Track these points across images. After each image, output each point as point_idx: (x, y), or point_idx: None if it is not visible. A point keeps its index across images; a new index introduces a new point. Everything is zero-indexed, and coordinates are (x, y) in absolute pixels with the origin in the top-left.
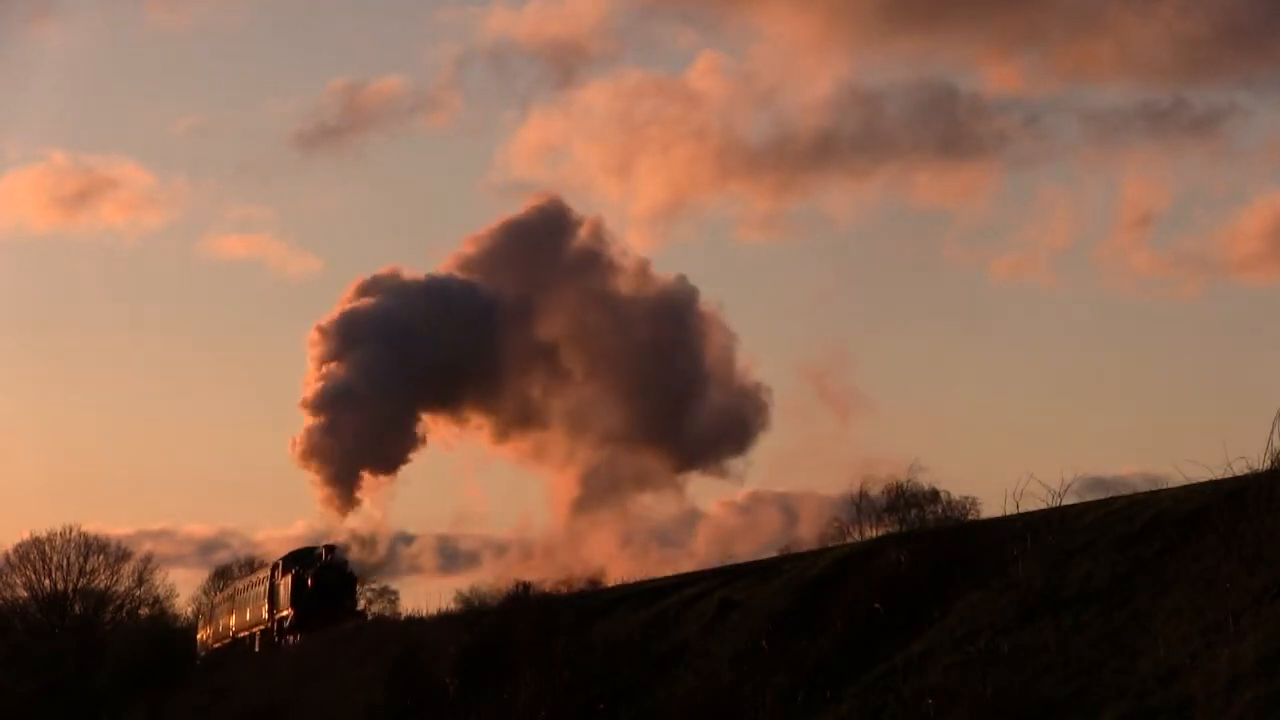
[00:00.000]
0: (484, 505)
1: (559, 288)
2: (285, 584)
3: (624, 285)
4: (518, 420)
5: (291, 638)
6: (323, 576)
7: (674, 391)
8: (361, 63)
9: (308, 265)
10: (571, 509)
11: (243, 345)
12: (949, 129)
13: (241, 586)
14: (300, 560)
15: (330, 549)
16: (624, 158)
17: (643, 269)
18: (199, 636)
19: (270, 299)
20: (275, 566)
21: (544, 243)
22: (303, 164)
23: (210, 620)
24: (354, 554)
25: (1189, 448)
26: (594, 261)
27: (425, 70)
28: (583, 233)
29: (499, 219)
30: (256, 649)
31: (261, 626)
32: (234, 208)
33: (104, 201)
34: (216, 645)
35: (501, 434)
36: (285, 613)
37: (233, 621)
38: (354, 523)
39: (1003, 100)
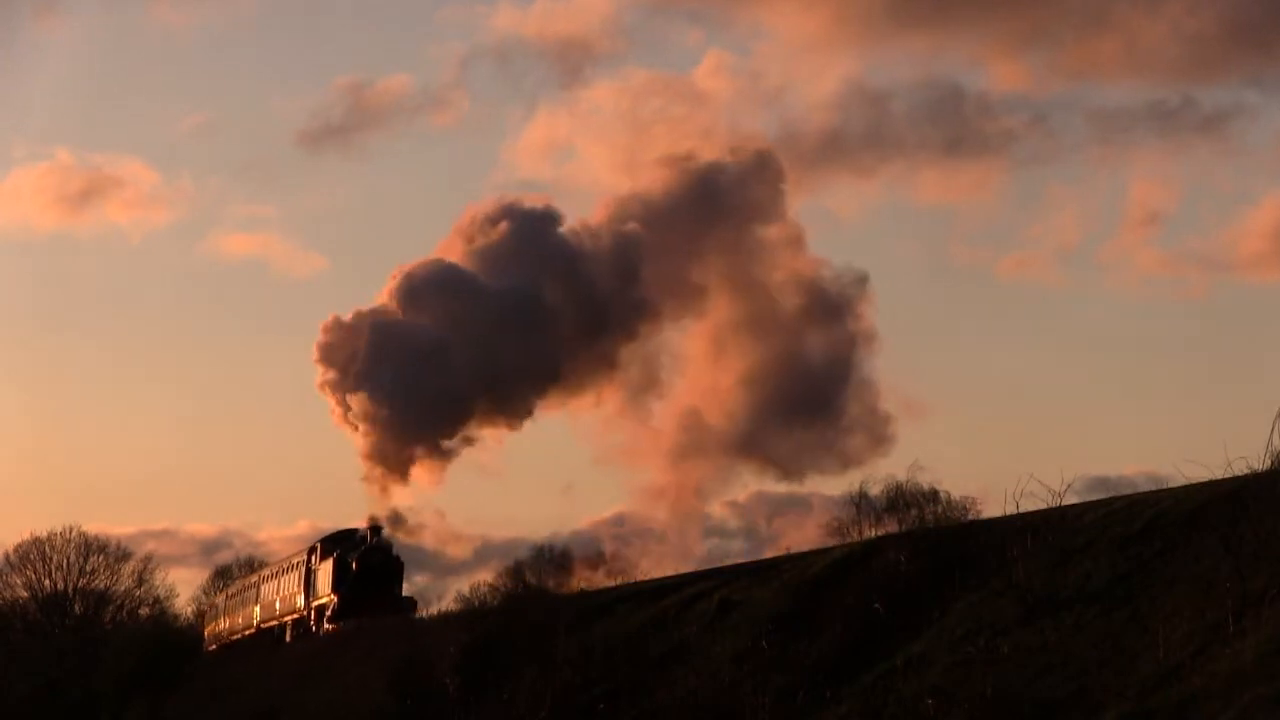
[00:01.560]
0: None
1: (715, 254)
2: (325, 569)
3: (781, 267)
4: (634, 398)
5: (332, 627)
6: (368, 560)
7: (799, 400)
8: (367, 61)
9: (312, 264)
10: (673, 504)
11: (247, 345)
12: (955, 128)
13: (269, 573)
14: (341, 543)
15: (375, 529)
16: (630, 157)
17: (798, 240)
18: (207, 631)
19: (275, 298)
20: (313, 550)
21: (720, 198)
22: (308, 162)
23: (223, 613)
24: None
25: (1197, 447)
26: (755, 229)
27: (431, 69)
28: (761, 189)
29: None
30: (287, 639)
31: (295, 615)
32: (239, 206)
33: (109, 200)
34: (235, 637)
35: (613, 415)
36: (325, 599)
37: (256, 612)
38: (402, 502)
39: (1009, 99)
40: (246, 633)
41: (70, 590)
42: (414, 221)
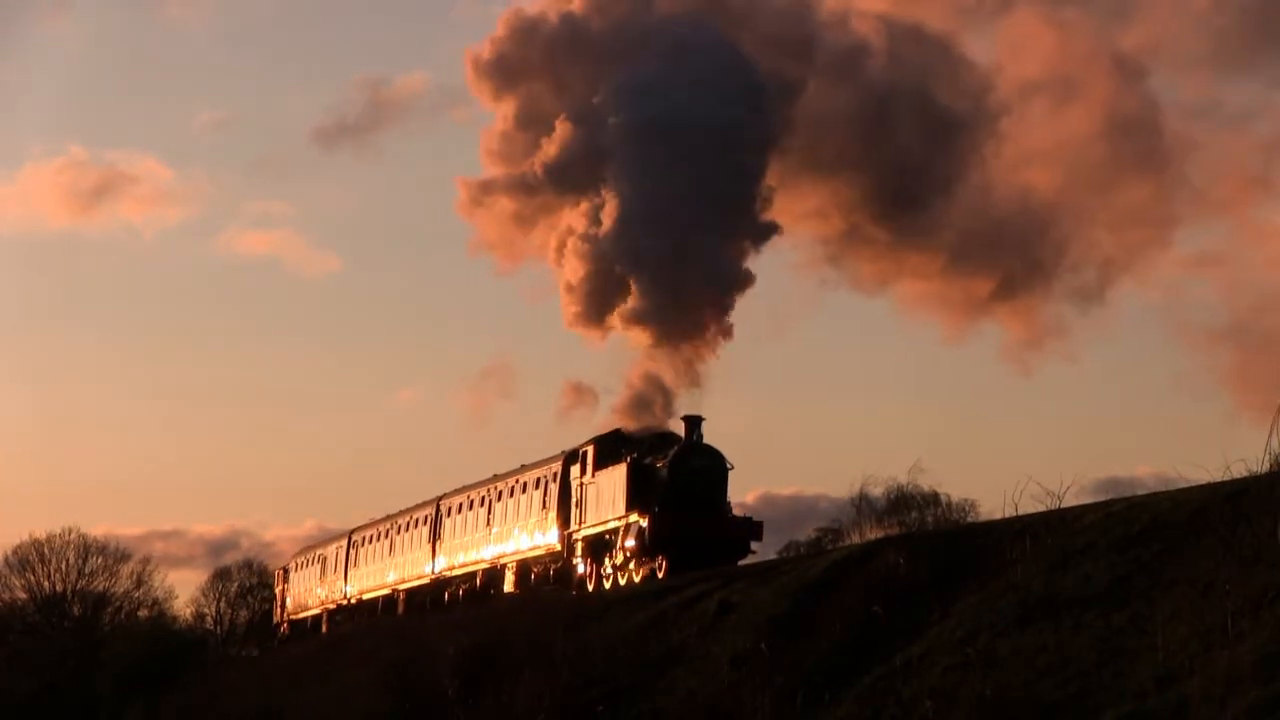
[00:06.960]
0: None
1: None
2: (611, 481)
3: None
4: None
5: (643, 568)
6: (688, 464)
7: None
8: (384, 58)
9: (326, 263)
10: None
11: (258, 344)
12: None
13: (457, 504)
14: (624, 444)
15: (696, 420)
16: None
17: None
18: (291, 600)
19: (288, 297)
20: (573, 457)
21: None
22: (323, 160)
23: (338, 567)
24: None
25: (1206, 447)
26: None
27: (448, 66)
28: None
29: None
30: (507, 589)
31: (533, 554)
32: (253, 204)
33: (122, 197)
34: (362, 598)
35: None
36: (610, 524)
37: (435, 558)
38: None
39: None
40: (403, 587)
41: (69, 592)
42: (430, 221)
